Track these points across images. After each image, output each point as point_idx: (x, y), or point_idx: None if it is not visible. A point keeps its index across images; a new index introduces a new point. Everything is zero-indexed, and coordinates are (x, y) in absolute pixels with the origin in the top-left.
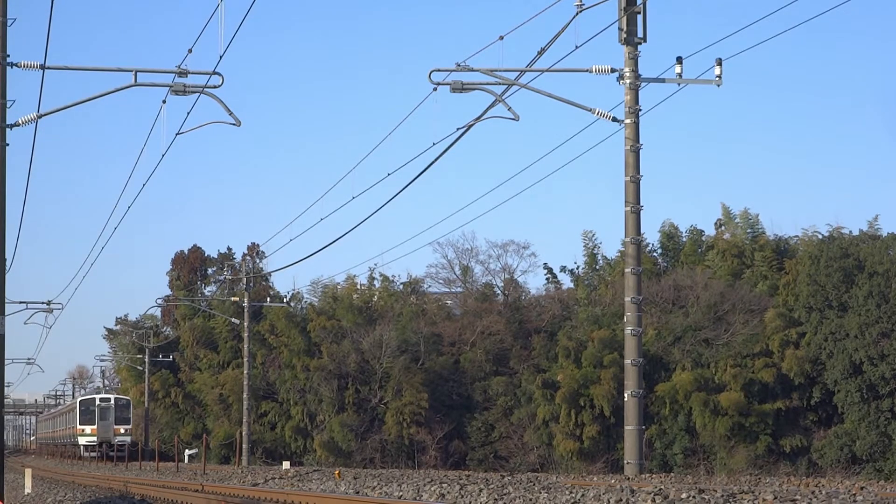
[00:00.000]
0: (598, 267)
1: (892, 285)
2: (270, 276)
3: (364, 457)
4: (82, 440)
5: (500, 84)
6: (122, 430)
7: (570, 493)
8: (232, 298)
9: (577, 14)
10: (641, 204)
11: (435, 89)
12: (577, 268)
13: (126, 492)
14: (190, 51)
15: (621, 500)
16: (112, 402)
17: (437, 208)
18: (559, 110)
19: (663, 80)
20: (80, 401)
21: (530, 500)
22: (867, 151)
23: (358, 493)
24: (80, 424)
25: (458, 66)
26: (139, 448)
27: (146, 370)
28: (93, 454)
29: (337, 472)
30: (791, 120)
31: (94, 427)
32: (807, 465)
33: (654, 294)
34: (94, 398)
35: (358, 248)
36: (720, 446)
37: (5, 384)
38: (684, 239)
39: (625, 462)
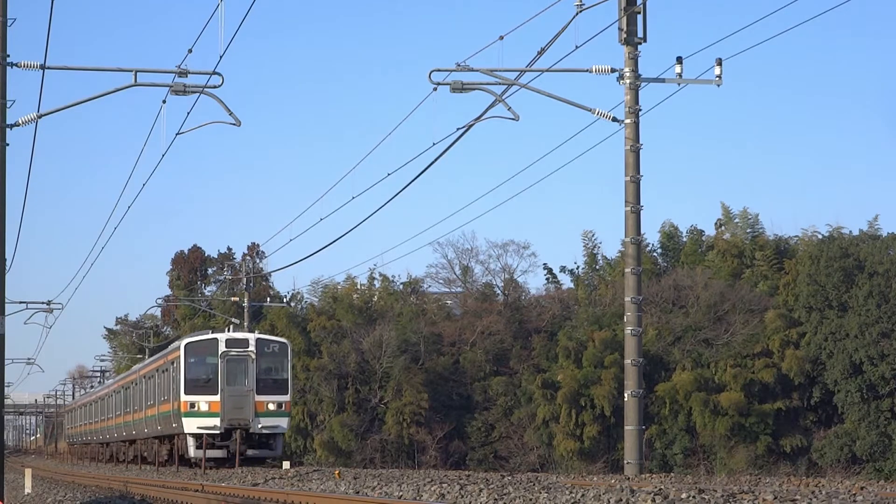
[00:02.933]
0: (598, 267)
1: (892, 285)
2: (270, 276)
3: (364, 457)
4: (192, 424)
5: (500, 84)
6: (273, 406)
7: (570, 493)
8: (232, 298)
9: (577, 14)
10: (641, 204)
11: (435, 89)
12: (577, 268)
13: (126, 492)
14: (190, 51)
15: (621, 500)
16: (252, 346)
17: (437, 208)
18: (559, 110)
19: (663, 80)
20: (187, 345)
21: (530, 500)
22: (867, 151)
23: (358, 493)
24: (186, 394)
25: (458, 66)
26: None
27: None
28: (214, 454)
29: (337, 472)
30: (791, 120)
31: (216, 399)
32: (807, 465)
33: (654, 294)
34: (216, 339)
35: (358, 248)
36: (720, 446)
37: (5, 384)
38: (684, 239)
39: (625, 462)
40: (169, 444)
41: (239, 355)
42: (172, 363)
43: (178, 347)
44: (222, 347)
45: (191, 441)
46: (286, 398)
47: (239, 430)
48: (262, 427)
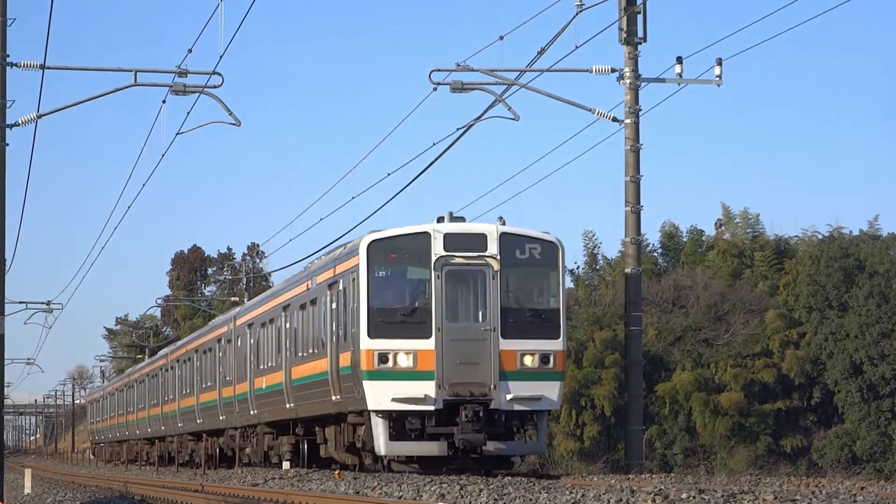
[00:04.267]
0: (598, 267)
1: (893, 285)
2: (270, 276)
3: None
4: (382, 394)
5: (500, 84)
6: (532, 360)
7: (570, 493)
8: (232, 298)
9: (577, 14)
10: (641, 204)
11: (435, 89)
12: (577, 268)
13: (126, 492)
14: (190, 51)
15: (621, 500)
16: (494, 246)
17: (437, 208)
18: (559, 110)
19: (663, 80)
20: (374, 244)
21: (530, 500)
22: (867, 151)
23: (358, 493)
24: (371, 336)
25: (458, 66)
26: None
27: None
28: (423, 449)
29: (337, 472)
30: (791, 120)
31: (428, 346)
32: (807, 465)
33: (654, 294)
34: (427, 233)
35: None
36: (720, 446)
37: (5, 384)
38: (684, 239)
39: (625, 462)
40: (297, 433)
41: (469, 265)
42: (336, 283)
43: (356, 251)
44: (438, 249)
45: (380, 426)
46: (557, 345)
47: (470, 406)
48: (512, 399)
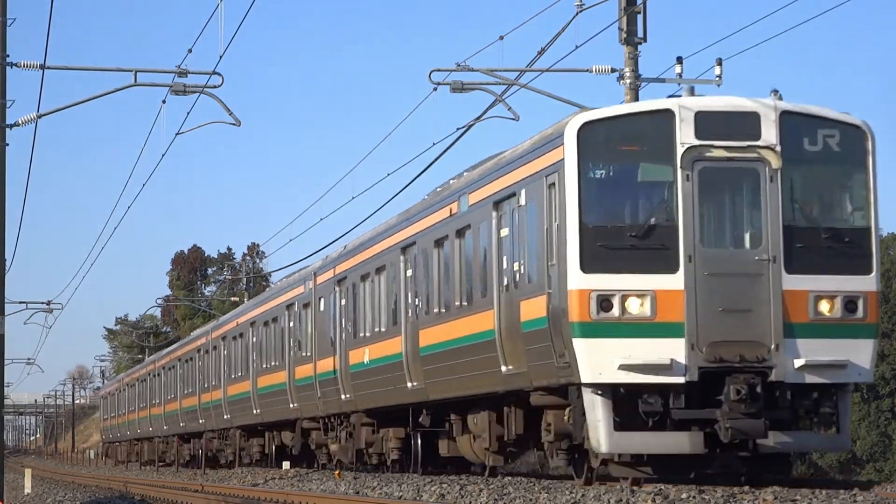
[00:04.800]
0: None
1: (892, 285)
2: (270, 276)
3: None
4: (603, 359)
5: (500, 84)
6: (831, 306)
7: (570, 493)
8: (232, 298)
9: (577, 14)
10: None
11: (435, 89)
12: None
13: (126, 492)
14: (190, 51)
15: (621, 500)
16: (772, 132)
17: None
18: (559, 110)
19: (663, 80)
20: (587, 127)
21: (530, 500)
22: None
23: (358, 493)
24: (585, 269)
25: (458, 66)
26: None
27: None
28: (665, 444)
29: (337, 472)
30: None
31: (673, 283)
32: (807, 466)
33: None
34: (669, 111)
35: None
36: None
37: (5, 384)
38: None
39: None
40: (422, 424)
41: (734, 160)
42: (512, 197)
43: (558, 139)
44: (687, 136)
45: (599, 408)
46: (868, 284)
47: (742, 378)
48: (803, 366)
